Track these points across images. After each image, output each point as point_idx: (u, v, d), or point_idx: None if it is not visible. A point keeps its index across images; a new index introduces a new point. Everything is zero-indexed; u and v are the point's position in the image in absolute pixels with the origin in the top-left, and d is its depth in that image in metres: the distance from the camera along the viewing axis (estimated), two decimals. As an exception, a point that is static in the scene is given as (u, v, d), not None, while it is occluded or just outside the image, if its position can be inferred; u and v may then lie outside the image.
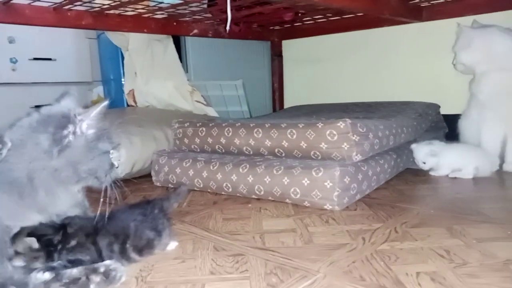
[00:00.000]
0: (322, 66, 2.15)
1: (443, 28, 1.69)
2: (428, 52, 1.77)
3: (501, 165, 1.30)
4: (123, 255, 0.68)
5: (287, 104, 2.31)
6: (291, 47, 2.27)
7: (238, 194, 1.11)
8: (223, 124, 1.22)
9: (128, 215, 0.72)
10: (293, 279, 0.62)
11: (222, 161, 1.15)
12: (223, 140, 1.21)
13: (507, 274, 0.61)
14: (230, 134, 1.19)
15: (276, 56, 2.29)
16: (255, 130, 1.14)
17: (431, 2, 1.65)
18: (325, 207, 0.96)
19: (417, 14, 1.69)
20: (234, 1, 1.51)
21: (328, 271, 0.64)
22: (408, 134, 1.32)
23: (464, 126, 1.47)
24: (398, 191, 1.10)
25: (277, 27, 2.19)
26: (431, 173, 1.27)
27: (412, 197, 1.03)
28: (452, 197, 1.02)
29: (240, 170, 1.09)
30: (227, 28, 1.20)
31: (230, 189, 1.11)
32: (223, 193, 1.14)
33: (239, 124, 1.19)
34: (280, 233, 0.82)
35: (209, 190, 1.17)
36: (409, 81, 1.84)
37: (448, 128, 1.66)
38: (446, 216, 0.88)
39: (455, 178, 1.21)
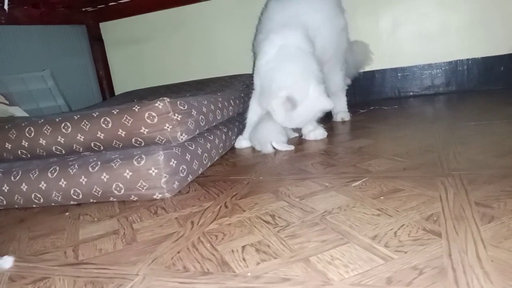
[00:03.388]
0: (148, 47, 2.02)
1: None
2: (247, 22, 1.81)
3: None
4: None
5: (119, 91, 2.12)
6: (111, 30, 2.07)
7: (52, 204, 0.94)
8: (23, 124, 1.01)
9: None
10: (105, 293, 0.52)
11: (26, 168, 0.96)
12: (25, 143, 1.00)
13: (323, 227, 0.63)
14: (33, 134, 0.99)
15: (96, 40, 2.06)
16: (63, 125, 0.97)
17: (242, -26, 1.67)
18: (155, 196, 0.88)
19: (231, -14, 1.70)
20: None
21: (148, 272, 0.56)
22: (236, 107, 1.33)
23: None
24: (232, 164, 1.08)
25: (89, 9, 1.95)
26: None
27: (244, 168, 1.03)
28: (279, 160, 1.05)
29: (49, 175, 0.92)
30: (5, 7, 0.98)
31: (42, 200, 0.93)
32: (34, 206, 0.95)
33: (42, 121, 1.00)
34: (98, 240, 0.71)
35: (16, 206, 0.96)
36: (235, 54, 1.85)
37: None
38: (273, 180, 0.89)
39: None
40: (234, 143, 1.27)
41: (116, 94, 2.12)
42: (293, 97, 1.07)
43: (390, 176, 0.80)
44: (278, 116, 1.13)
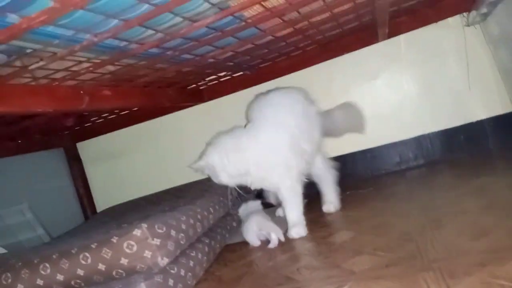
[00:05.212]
0: (124, 160, 2.07)
1: (222, 104, 1.86)
2: (217, 126, 1.89)
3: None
4: None
5: (100, 206, 2.11)
6: (87, 148, 2.13)
7: None
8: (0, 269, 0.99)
9: None
10: None
11: (2, 321, 0.91)
12: (1, 291, 0.97)
13: None
14: (10, 281, 0.96)
15: (74, 160, 2.10)
16: (41, 266, 0.95)
17: (208, 84, 1.79)
18: (140, 333, 0.84)
19: (199, 97, 1.82)
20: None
21: None
22: (216, 212, 1.33)
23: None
24: (217, 278, 1.06)
25: (66, 132, 2.03)
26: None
27: (230, 282, 1.01)
28: (264, 268, 1.04)
29: (28, 325, 0.88)
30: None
31: None
32: None
33: (20, 264, 0.98)
34: None
35: None
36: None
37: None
38: (260, 295, 0.87)
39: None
40: (218, 252, 1.26)
41: (97, 209, 2.11)
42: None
43: (374, 277, 0.80)
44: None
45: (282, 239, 1.20)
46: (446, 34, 1.61)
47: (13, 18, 0.65)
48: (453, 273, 0.72)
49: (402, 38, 1.65)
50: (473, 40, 1.58)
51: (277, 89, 1.43)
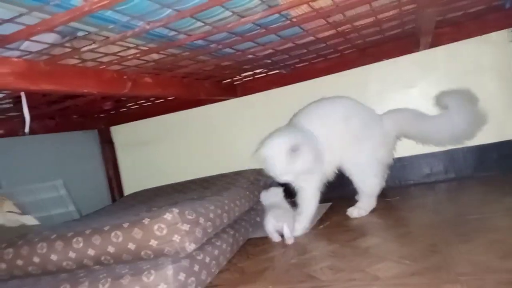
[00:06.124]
0: (154, 147, 2.12)
1: (255, 101, 1.88)
2: (246, 123, 1.93)
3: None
4: None
5: (128, 190, 2.17)
6: (121, 132, 2.19)
7: (61, 323, 0.93)
8: (35, 240, 1.04)
9: None
10: None
11: (35, 287, 0.96)
12: (36, 259, 1.02)
13: None
14: (45, 250, 1.01)
15: (106, 143, 2.17)
16: (74, 240, 1.00)
17: (243, 80, 1.82)
18: (164, 313, 0.87)
19: (232, 92, 1.84)
20: (43, 96, 1.39)
21: None
22: (242, 206, 1.35)
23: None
24: (240, 270, 1.08)
25: (102, 115, 2.09)
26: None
27: (252, 275, 1.02)
28: (287, 264, 1.05)
29: (60, 293, 0.93)
30: (26, 130, 1.07)
31: (50, 320, 0.93)
32: (41, 326, 0.94)
33: (54, 236, 1.03)
34: None
35: (23, 327, 0.95)
36: (237, 152, 1.94)
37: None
38: (282, 290, 0.89)
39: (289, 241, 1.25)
40: (241, 244, 1.28)
41: (124, 192, 2.17)
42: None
43: (398, 284, 0.80)
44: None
45: (289, 234, 1.24)
46: (489, 49, 1.58)
47: (76, 1, 0.69)
48: (481, 288, 0.72)
49: (442, 49, 1.62)
50: (517, 57, 1.54)
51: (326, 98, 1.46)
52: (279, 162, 1.25)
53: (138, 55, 1.05)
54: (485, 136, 1.60)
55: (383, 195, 1.59)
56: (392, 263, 0.92)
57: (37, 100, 1.36)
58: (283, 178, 1.29)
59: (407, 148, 1.68)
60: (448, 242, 0.98)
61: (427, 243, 1.00)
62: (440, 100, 1.39)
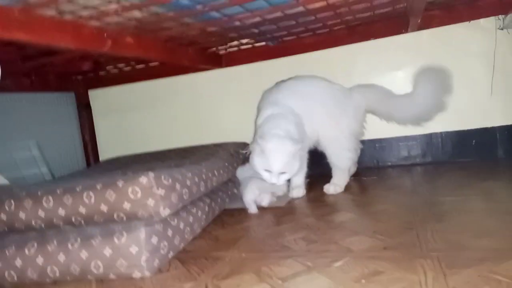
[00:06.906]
0: (134, 114, 2.07)
1: (241, 73, 1.84)
2: (231, 95, 1.89)
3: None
4: None
5: (104, 156, 2.12)
6: (99, 97, 2.12)
7: (27, 281, 0.90)
8: (3, 197, 1.00)
9: None
10: None
11: (1, 243, 0.93)
12: (3, 217, 0.98)
13: (305, 313, 0.62)
14: (13, 207, 0.98)
15: (83, 107, 2.10)
16: (44, 198, 0.96)
17: (228, 50, 1.77)
18: (134, 275, 0.86)
19: (217, 61, 1.80)
20: (19, 49, 1.32)
21: None
22: (220, 176, 1.34)
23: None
24: (214, 237, 1.08)
25: (80, 77, 2.02)
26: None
27: (226, 242, 1.02)
28: (262, 234, 1.05)
29: (27, 251, 0.90)
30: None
31: (15, 278, 0.90)
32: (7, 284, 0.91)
33: (24, 193, 0.99)
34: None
35: (-13, 284, 0.93)
36: (219, 123, 1.91)
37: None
38: (255, 258, 0.88)
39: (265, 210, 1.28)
40: (217, 214, 1.27)
41: (100, 159, 2.13)
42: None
43: (370, 257, 0.81)
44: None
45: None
46: (477, 35, 1.58)
47: None
48: (452, 264, 0.73)
49: (431, 32, 1.62)
50: (503, 44, 1.55)
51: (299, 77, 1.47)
52: (281, 160, 1.21)
53: (119, 11, 1.00)
54: (466, 122, 1.63)
55: (361, 174, 1.60)
56: (366, 237, 0.92)
57: (11, 53, 1.30)
58: (275, 179, 1.23)
59: (386, 130, 1.70)
60: (423, 220, 0.99)
61: (402, 220, 1.01)
62: (413, 78, 1.42)
